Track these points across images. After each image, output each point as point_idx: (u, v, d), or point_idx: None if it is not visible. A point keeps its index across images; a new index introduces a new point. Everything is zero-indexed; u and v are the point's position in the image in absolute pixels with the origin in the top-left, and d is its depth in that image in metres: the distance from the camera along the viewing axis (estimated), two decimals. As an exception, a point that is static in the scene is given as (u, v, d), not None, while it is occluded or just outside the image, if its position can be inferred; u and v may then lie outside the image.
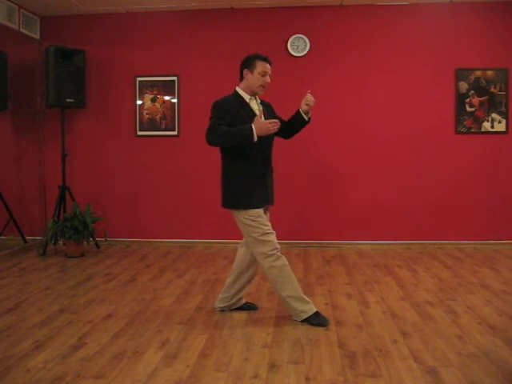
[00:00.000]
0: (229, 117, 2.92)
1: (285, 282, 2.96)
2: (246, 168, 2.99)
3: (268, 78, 3.03)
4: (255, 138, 2.85)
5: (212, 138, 2.89)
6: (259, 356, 2.53)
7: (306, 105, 3.07)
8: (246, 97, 3.05)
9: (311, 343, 2.69)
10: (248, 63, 3.02)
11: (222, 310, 3.24)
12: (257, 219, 2.95)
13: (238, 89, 3.08)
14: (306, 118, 3.11)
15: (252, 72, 3.00)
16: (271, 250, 2.94)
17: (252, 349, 2.62)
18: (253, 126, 2.85)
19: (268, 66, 3.02)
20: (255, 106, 3.07)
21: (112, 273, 4.29)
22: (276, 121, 2.89)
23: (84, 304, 3.40)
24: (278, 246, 2.99)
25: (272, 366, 2.40)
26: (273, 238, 2.98)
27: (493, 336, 2.76)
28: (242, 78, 3.06)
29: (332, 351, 2.58)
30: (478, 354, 2.52)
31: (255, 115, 3.00)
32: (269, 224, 3.01)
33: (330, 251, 5.16)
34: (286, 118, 3.19)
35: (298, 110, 3.11)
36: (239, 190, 2.98)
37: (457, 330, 2.87)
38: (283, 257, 2.99)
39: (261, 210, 2.98)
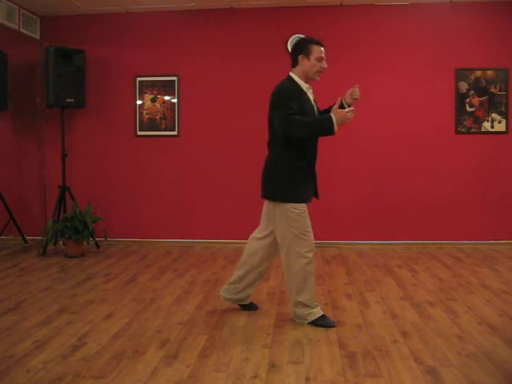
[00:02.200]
0: (294, 105, 2.79)
1: (306, 288, 2.92)
2: (301, 160, 2.90)
3: (325, 64, 2.92)
4: (336, 130, 2.74)
5: (290, 129, 2.77)
6: (259, 356, 2.52)
7: (354, 99, 2.98)
8: (303, 85, 2.93)
9: (311, 343, 2.69)
10: (303, 48, 2.89)
11: (226, 300, 3.20)
12: (303, 214, 2.89)
13: (293, 75, 2.94)
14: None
15: (308, 58, 2.88)
16: (307, 252, 2.89)
17: (252, 349, 2.62)
18: (333, 117, 2.73)
19: (323, 49, 2.91)
20: (311, 95, 2.98)
21: (112, 273, 4.29)
22: (353, 109, 2.77)
23: (84, 304, 3.40)
24: (314, 248, 2.95)
25: (272, 366, 2.40)
26: (312, 237, 2.93)
27: (493, 336, 2.76)
28: (295, 64, 2.94)
29: (332, 351, 2.58)
30: (478, 354, 2.52)
31: (312, 105, 2.93)
32: (310, 223, 2.94)
33: (329, 251, 5.16)
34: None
35: (341, 101, 2.98)
36: (292, 182, 2.88)
37: (457, 330, 2.87)
38: (313, 263, 2.95)
39: (306, 206, 2.93)
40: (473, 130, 5.27)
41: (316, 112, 2.99)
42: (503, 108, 5.23)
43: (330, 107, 2.97)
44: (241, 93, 5.42)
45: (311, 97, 2.99)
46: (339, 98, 2.98)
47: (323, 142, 5.33)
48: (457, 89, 5.26)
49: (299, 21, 5.30)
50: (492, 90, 5.23)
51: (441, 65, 5.25)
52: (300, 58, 2.91)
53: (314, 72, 2.91)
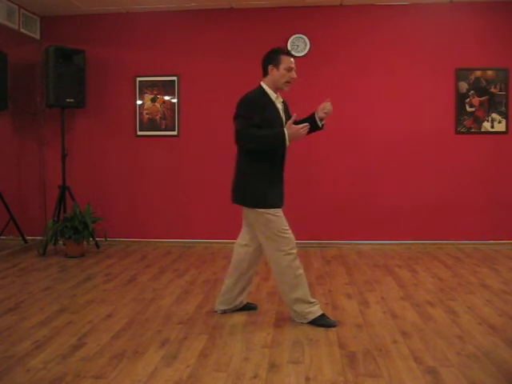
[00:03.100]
0: (257, 115, 2.84)
1: (298, 283, 2.93)
2: (269, 167, 2.94)
3: (294, 74, 2.96)
4: (288, 144, 2.82)
5: (243, 141, 2.86)
6: (259, 356, 2.52)
7: (325, 113, 3.02)
8: (272, 94, 2.97)
9: (311, 343, 2.69)
10: (272, 58, 2.93)
11: (224, 313, 3.21)
12: (278, 214, 2.92)
13: (263, 85, 2.98)
14: (320, 125, 3.06)
15: (277, 68, 2.91)
16: (291, 249, 2.91)
17: (252, 349, 2.62)
18: (285, 131, 2.80)
19: (293, 60, 2.94)
20: (279, 104, 3.01)
21: (112, 273, 4.29)
22: (307, 125, 2.84)
23: (84, 304, 3.40)
24: (296, 246, 2.96)
25: (272, 366, 2.40)
26: (292, 235, 2.95)
27: (493, 336, 2.76)
28: (265, 73, 2.98)
29: (332, 351, 2.58)
30: (478, 354, 2.52)
31: (279, 115, 2.96)
32: (287, 222, 2.97)
33: (330, 251, 5.16)
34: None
35: (313, 114, 3.05)
36: (263, 190, 2.91)
37: (457, 329, 2.87)
38: (298, 259, 2.97)
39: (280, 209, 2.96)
40: (473, 130, 5.27)
41: (283, 121, 3.00)
42: (503, 108, 5.23)
43: (309, 117, 3.05)
44: (241, 93, 5.37)
45: (280, 106, 3.02)
46: (311, 113, 3.06)
47: (324, 142, 5.35)
48: (457, 89, 5.26)
49: (299, 21, 5.29)
50: (492, 90, 5.23)
51: (441, 65, 5.25)
52: (269, 67, 2.95)
53: (283, 82, 2.95)
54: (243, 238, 3.15)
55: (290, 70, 2.93)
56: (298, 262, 2.95)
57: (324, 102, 3.05)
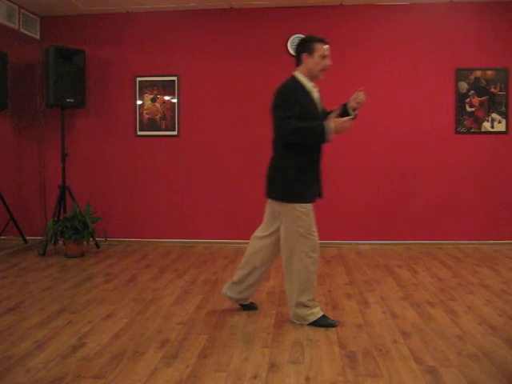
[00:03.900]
0: (297, 106, 2.78)
1: (308, 288, 2.91)
2: (306, 159, 2.90)
3: (328, 61, 2.91)
4: (328, 138, 2.75)
5: (282, 133, 2.80)
6: (259, 356, 2.52)
7: (358, 103, 2.97)
8: (308, 84, 2.91)
9: (311, 343, 2.69)
10: (306, 47, 2.88)
11: (228, 299, 3.19)
12: (309, 213, 2.90)
13: (297, 74, 2.92)
14: (353, 116, 2.94)
15: (312, 55, 2.86)
16: (312, 252, 2.89)
17: (252, 349, 2.62)
18: (325, 125, 2.73)
19: (327, 47, 2.90)
20: (316, 94, 2.96)
21: (112, 273, 4.29)
22: (349, 118, 2.77)
23: (84, 304, 3.40)
24: (319, 249, 2.95)
25: (272, 366, 2.40)
26: (317, 237, 2.92)
27: (493, 336, 2.76)
28: (299, 63, 2.93)
29: (332, 351, 2.58)
30: (478, 354, 2.52)
31: (316, 105, 2.92)
32: (315, 223, 2.94)
33: (329, 251, 5.16)
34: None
35: (345, 105, 2.99)
36: (297, 182, 2.87)
37: (457, 329, 2.87)
38: (317, 264, 2.95)
39: (311, 206, 2.93)
40: (473, 130, 5.27)
41: (320, 112, 2.97)
42: (503, 108, 5.23)
43: (337, 110, 2.93)
44: (241, 93, 5.43)
45: (316, 95, 2.97)
46: (342, 104, 3.00)
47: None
48: (457, 89, 5.26)
49: (299, 21, 5.29)
50: (492, 90, 5.23)
51: (441, 65, 5.25)
52: (303, 56, 2.90)
53: (318, 70, 2.90)
54: (262, 230, 3.09)
55: (324, 57, 2.88)
56: (315, 268, 2.93)
57: (357, 92, 2.99)
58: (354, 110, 2.99)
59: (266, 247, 3.06)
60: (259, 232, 3.12)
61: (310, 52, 2.88)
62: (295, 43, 3.02)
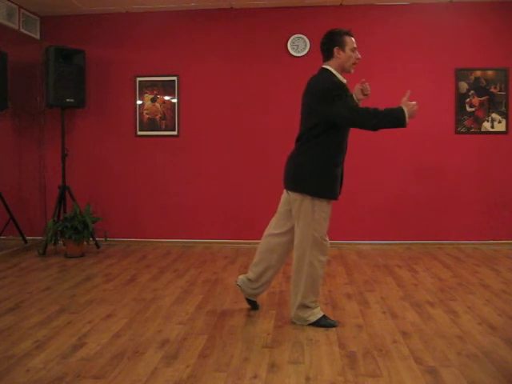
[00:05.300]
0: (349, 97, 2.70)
1: (314, 291, 2.90)
2: (335, 156, 2.86)
3: (358, 54, 2.86)
4: (407, 122, 2.62)
5: (360, 120, 2.67)
6: (259, 356, 2.52)
7: (365, 95, 2.94)
8: (342, 78, 2.85)
9: (311, 343, 2.69)
10: (337, 40, 2.82)
11: (240, 290, 3.17)
12: (327, 219, 2.87)
13: (330, 69, 2.85)
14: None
15: (343, 49, 2.81)
16: (323, 255, 2.89)
17: (252, 349, 2.62)
18: (404, 108, 2.62)
19: (354, 39, 2.85)
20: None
21: (112, 273, 4.29)
22: (416, 103, 2.65)
23: (84, 304, 3.40)
24: (329, 252, 2.94)
25: (272, 366, 2.40)
26: (328, 243, 2.91)
27: (493, 336, 2.76)
28: (329, 57, 2.86)
29: (332, 351, 2.58)
30: (478, 354, 2.52)
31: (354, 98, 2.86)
32: None
33: (330, 251, 5.14)
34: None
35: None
36: (325, 177, 2.83)
37: (457, 329, 2.87)
38: (326, 267, 2.95)
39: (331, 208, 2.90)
40: (473, 130, 5.27)
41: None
42: (503, 108, 5.23)
43: None
44: (241, 93, 5.42)
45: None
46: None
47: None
48: (457, 89, 5.26)
49: (299, 21, 5.29)
50: (492, 90, 5.23)
51: (441, 65, 5.25)
52: (335, 50, 2.83)
53: (350, 64, 2.86)
54: (277, 227, 3.02)
55: (354, 50, 2.85)
56: (323, 271, 2.94)
57: (360, 83, 2.94)
58: (358, 100, 2.95)
59: (282, 245, 3.02)
60: (274, 229, 3.04)
61: (341, 46, 2.83)
62: (323, 37, 2.93)
